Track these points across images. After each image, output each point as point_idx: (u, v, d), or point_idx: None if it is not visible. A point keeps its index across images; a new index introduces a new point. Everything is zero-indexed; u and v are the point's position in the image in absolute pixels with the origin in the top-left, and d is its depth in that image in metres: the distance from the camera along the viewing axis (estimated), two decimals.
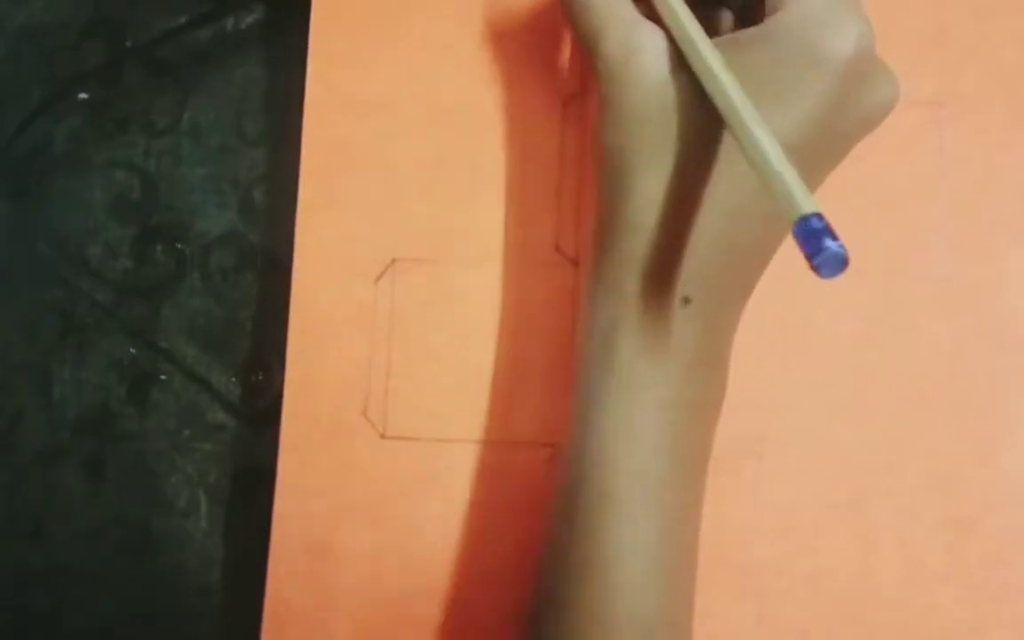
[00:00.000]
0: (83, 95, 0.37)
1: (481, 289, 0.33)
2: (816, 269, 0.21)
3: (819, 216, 0.21)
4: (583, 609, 0.26)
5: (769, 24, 0.26)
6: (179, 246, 0.36)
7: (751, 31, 0.26)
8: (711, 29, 0.27)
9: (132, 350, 0.35)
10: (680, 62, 0.26)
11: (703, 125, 0.26)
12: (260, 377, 0.35)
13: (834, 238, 0.21)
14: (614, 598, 0.26)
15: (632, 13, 0.27)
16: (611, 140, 0.27)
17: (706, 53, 0.25)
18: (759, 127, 0.23)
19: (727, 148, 0.26)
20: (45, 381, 0.35)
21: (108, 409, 0.35)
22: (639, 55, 0.26)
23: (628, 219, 0.26)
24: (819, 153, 0.26)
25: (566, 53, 0.34)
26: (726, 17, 0.30)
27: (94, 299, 0.36)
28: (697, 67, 0.25)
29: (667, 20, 0.27)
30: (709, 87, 0.25)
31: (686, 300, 0.26)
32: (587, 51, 0.28)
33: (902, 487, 0.31)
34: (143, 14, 0.37)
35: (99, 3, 0.37)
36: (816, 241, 0.21)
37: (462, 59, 0.34)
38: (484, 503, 0.32)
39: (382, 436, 0.33)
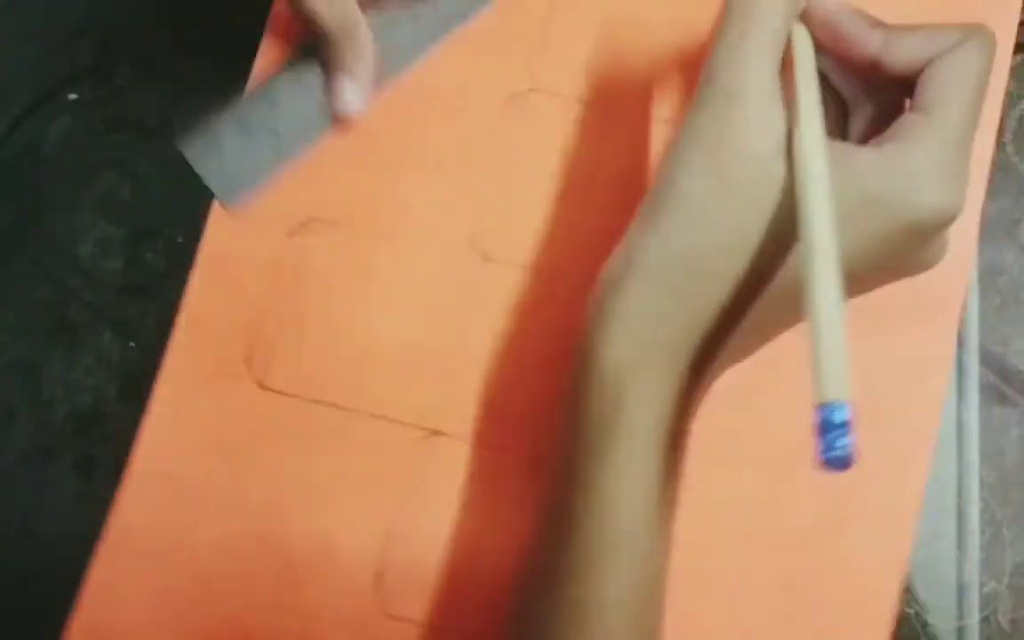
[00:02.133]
0: (73, 95, 0.37)
1: (388, 265, 0.33)
2: (823, 463, 0.21)
3: (848, 406, 0.21)
4: None
5: (882, 155, 0.25)
6: (169, 245, 0.36)
7: (864, 154, 0.26)
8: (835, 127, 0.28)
9: (122, 349, 0.35)
10: (788, 155, 0.25)
11: (777, 220, 0.25)
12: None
13: (851, 434, 0.21)
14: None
15: (772, 84, 0.26)
16: (688, 185, 0.26)
17: (820, 187, 0.24)
18: (835, 278, 0.23)
19: (789, 254, 0.26)
20: (35, 381, 0.35)
21: (98, 409, 0.35)
22: (754, 123, 0.26)
23: (685, 265, 0.26)
24: (855, 285, 0.26)
25: (518, 51, 0.34)
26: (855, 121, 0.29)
27: (84, 299, 0.36)
28: (800, 179, 0.25)
29: (798, 111, 0.26)
30: (803, 202, 0.24)
31: (697, 361, 0.27)
32: (706, 88, 0.26)
33: (745, 542, 0.32)
34: (134, 15, 0.37)
35: (90, 4, 0.37)
36: (832, 436, 0.21)
37: None
38: (348, 472, 0.32)
39: (260, 386, 0.33)
